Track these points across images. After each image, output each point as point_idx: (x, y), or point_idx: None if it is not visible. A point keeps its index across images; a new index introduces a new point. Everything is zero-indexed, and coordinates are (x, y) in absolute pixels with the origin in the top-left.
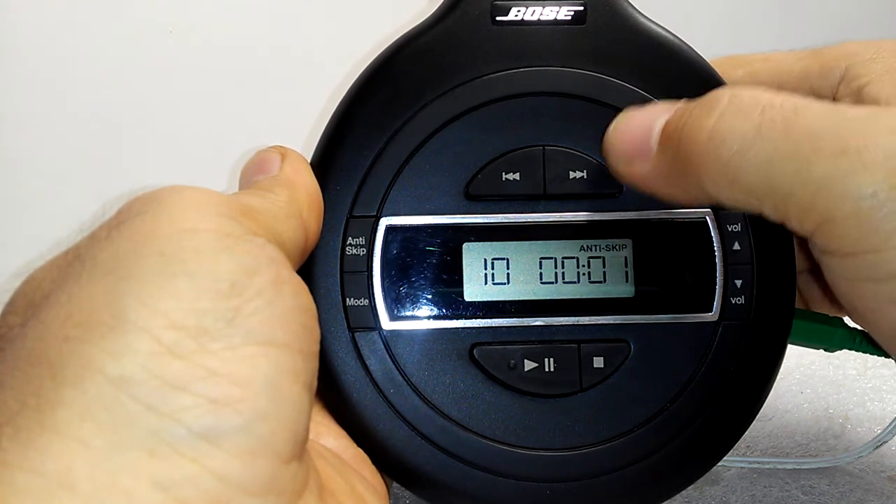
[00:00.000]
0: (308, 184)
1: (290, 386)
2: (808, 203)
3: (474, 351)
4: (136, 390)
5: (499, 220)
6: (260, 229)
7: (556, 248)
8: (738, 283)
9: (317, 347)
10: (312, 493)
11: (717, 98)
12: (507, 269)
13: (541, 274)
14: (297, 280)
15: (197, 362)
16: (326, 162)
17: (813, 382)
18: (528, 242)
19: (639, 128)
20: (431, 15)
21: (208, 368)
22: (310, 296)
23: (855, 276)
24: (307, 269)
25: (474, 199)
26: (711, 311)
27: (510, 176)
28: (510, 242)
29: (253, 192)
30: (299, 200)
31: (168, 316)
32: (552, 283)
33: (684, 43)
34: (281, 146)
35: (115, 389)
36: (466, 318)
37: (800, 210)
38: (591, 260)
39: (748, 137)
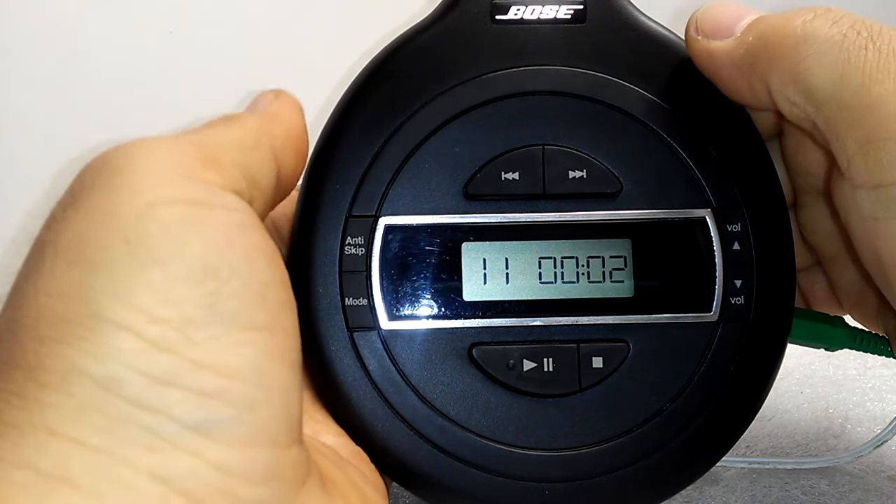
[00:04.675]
0: (288, 119)
1: (276, 369)
2: (859, 118)
3: (473, 351)
4: (124, 390)
5: (498, 220)
6: (225, 176)
7: (556, 247)
8: (738, 282)
9: (295, 320)
10: (315, 481)
11: (814, 6)
12: (507, 268)
13: (540, 274)
14: (268, 244)
15: (182, 355)
16: (325, 161)
17: (813, 382)
18: (527, 242)
19: (730, 13)
20: (431, 14)
21: (194, 361)
22: (281, 261)
23: (883, 214)
24: (305, 269)
25: (473, 198)
26: (711, 311)
27: (509, 175)
28: (509, 242)
29: (218, 122)
30: (272, 131)
31: (147, 311)
32: (551, 282)
33: (683, 41)
34: (279, 90)
35: (102, 391)
36: (465, 318)
37: (849, 125)
38: (590, 260)
39: (830, 42)
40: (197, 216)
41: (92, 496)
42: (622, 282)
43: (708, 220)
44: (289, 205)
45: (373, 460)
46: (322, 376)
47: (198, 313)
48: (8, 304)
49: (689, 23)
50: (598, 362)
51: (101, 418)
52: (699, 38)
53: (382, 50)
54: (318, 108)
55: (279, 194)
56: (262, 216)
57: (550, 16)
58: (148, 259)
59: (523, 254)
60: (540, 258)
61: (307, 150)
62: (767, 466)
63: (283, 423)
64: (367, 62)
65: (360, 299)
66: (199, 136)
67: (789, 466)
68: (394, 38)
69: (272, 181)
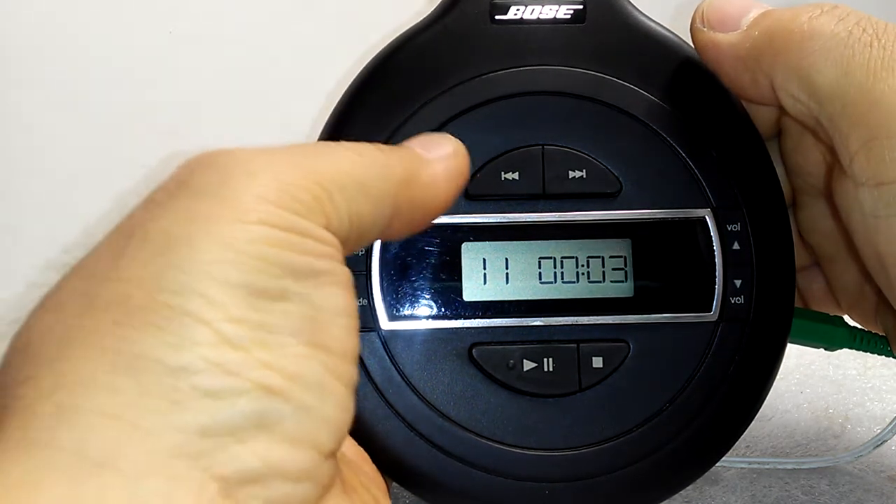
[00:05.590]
0: (442, 188)
1: (334, 385)
2: (862, 115)
3: (473, 351)
4: (193, 379)
5: (498, 220)
6: (332, 217)
7: (556, 247)
8: (738, 282)
9: (357, 344)
10: (338, 486)
11: (821, 3)
12: (507, 268)
13: (540, 274)
14: (346, 276)
15: (253, 354)
16: None
17: (813, 382)
18: (527, 242)
19: (737, 5)
20: (430, 14)
21: (262, 361)
22: (353, 290)
23: (885, 212)
24: None
25: (473, 198)
26: (711, 311)
27: (509, 175)
28: (509, 242)
29: (367, 155)
30: (411, 193)
31: (226, 311)
32: (551, 282)
33: (684, 41)
34: (460, 145)
35: (172, 378)
36: (465, 318)
37: (852, 122)
38: (590, 260)
39: (836, 39)
40: (290, 244)
41: (130, 480)
42: (622, 282)
43: (708, 219)
44: None
45: (373, 460)
46: None
47: (272, 321)
48: (79, 272)
49: (695, 14)
50: (598, 362)
51: (163, 404)
52: (705, 29)
53: (382, 50)
54: (318, 108)
55: (380, 237)
56: (347, 254)
57: (550, 16)
58: (234, 266)
59: (523, 254)
60: (540, 258)
61: (432, 219)
62: (767, 466)
63: (332, 432)
64: (367, 62)
65: (360, 300)
66: (329, 166)
67: (789, 466)
68: (394, 38)
69: (375, 233)
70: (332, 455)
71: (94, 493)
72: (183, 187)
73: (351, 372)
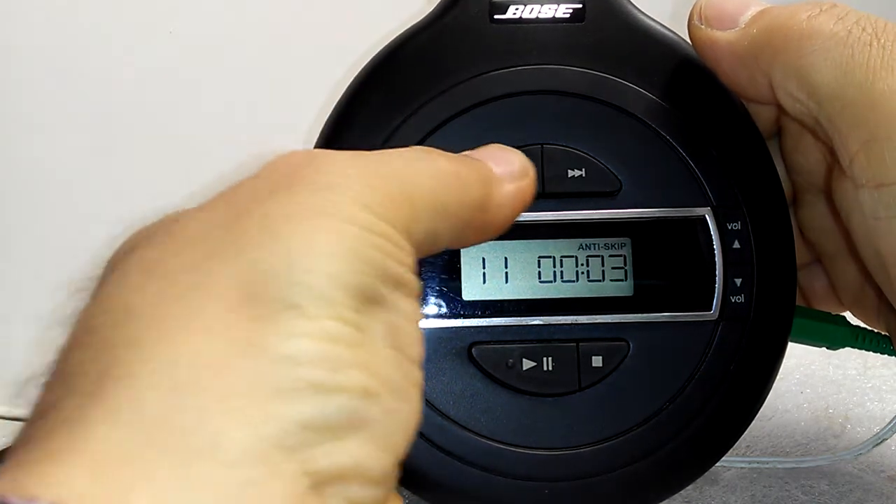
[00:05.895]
0: (509, 211)
1: (411, 391)
2: (862, 116)
3: (473, 350)
4: (300, 371)
5: None
6: (408, 229)
7: (555, 246)
8: (738, 281)
9: (423, 354)
10: (394, 492)
11: (820, 1)
12: (506, 268)
13: (539, 273)
14: (418, 287)
15: (352, 352)
16: None
17: (813, 382)
18: (526, 241)
19: (735, 2)
20: (430, 13)
21: (360, 361)
22: (418, 302)
23: (885, 213)
24: None
25: None
26: (711, 310)
27: None
28: (508, 241)
29: (439, 166)
30: (486, 216)
31: (333, 307)
32: (551, 282)
33: (683, 40)
34: (528, 165)
35: (280, 367)
36: (465, 318)
37: (852, 122)
38: (589, 259)
39: (835, 38)
40: (385, 250)
41: (230, 468)
42: (622, 280)
43: (708, 218)
44: None
45: None
46: None
47: (367, 323)
48: (186, 239)
49: (692, 11)
50: (597, 361)
51: (269, 392)
52: (702, 26)
53: (382, 49)
54: (317, 108)
55: (439, 251)
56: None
57: (549, 15)
58: (345, 264)
59: (522, 253)
60: (539, 257)
61: (496, 235)
62: (767, 466)
63: (407, 437)
64: (366, 62)
65: None
66: (417, 180)
67: (789, 466)
68: (394, 37)
69: (443, 246)
70: (400, 463)
71: (194, 480)
72: (290, 182)
73: (421, 379)
